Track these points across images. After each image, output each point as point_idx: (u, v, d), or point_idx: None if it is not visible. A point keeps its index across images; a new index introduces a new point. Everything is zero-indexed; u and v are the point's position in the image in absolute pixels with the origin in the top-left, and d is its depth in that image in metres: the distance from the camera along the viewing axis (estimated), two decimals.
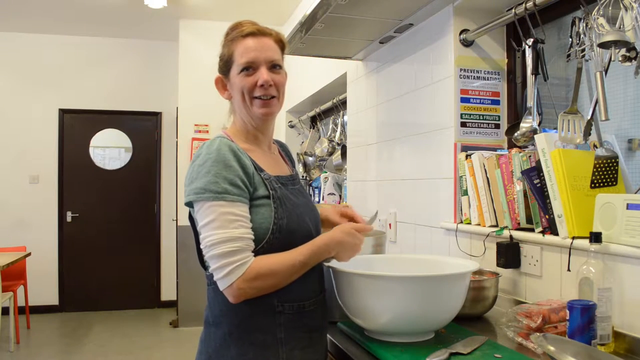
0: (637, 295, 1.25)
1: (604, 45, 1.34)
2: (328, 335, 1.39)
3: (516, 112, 2.02)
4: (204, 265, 1.28)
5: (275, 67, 1.28)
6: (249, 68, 1.26)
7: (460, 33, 2.03)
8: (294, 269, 1.18)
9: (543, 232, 1.54)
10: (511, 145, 1.91)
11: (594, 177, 1.41)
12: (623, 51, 1.34)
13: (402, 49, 2.45)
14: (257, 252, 1.17)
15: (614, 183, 1.42)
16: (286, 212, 1.21)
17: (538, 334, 1.18)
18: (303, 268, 1.19)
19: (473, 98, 2.03)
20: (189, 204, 1.20)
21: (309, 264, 1.20)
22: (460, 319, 1.40)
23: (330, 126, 3.94)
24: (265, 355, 1.20)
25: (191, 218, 1.27)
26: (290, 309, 1.22)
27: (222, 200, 1.14)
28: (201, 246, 1.17)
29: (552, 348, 1.08)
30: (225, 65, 1.30)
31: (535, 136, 1.55)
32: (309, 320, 1.26)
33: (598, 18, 1.37)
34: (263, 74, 1.25)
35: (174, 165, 5.73)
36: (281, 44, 1.32)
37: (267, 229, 1.18)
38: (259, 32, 1.28)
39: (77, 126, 5.87)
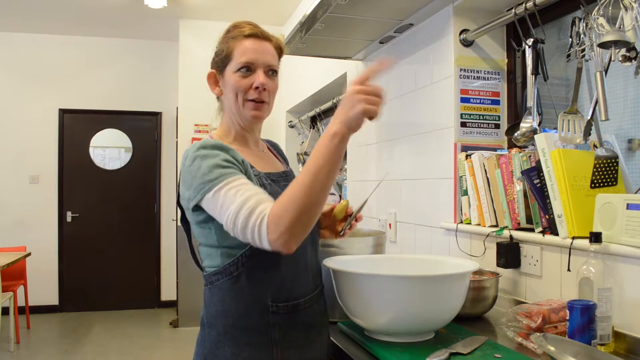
0: (637, 295, 1.25)
1: (604, 45, 1.34)
2: None
3: (516, 112, 2.02)
4: (199, 265, 1.28)
5: (271, 72, 1.29)
6: (247, 69, 1.26)
7: (460, 33, 2.03)
8: (308, 188, 1.03)
9: (543, 232, 1.54)
10: (511, 145, 1.91)
11: (594, 177, 1.41)
12: (623, 51, 1.34)
13: (402, 49, 2.45)
14: (248, 251, 1.17)
15: (614, 183, 1.42)
16: None
17: (538, 334, 1.18)
18: (319, 177, 1.04)
19: (473, 98, 2.03)
20: (196, 206, 1.17)
21: (325, 168, 1.04)
22: (460, 319, 1.40)
23: None
24: (260, 356, 1.20)
25: (183, 220, 1.27)
26: (284, 308, 1.22)
27: (220, 183, 1.11)
28: (226, 229, 1.11)
29: (552, 348, 1.08)
30: (222, 61, 1.30)
31: (535, 136, 1.55)
32: (305, 318, 1.25)
33: (598, 18, 1.37)
34: (260, 77, 1.25)
35: (174, 165, 5.73)
36: (279, 50, 1.33)
37: None
38: (262, 36, 1.29)
39: (77, 126, 5.87)
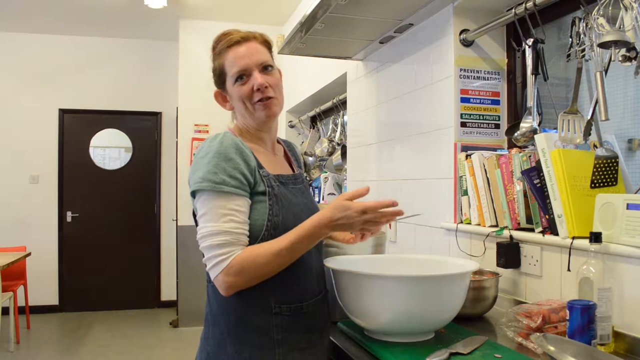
0: (637, 295, 1.25)
1: (604, 45, 1.34)
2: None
3: (516, 112, 2.02)
4: None
5: (266, 68, 1.29)
6: (242, 76, 1.27)
7: (460, 33, 2.03)
8: (280, 257, 1.15)
9: (543, 232, 1.54)
10: (511, 145, 1.91)
11: (594, 177, 1.41)
12: (623, 51, 1.34)
13: (402, 49, 2.45)
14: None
15: (614, 183, 1.42)
16: (282, 210, 1.22)
17: (538, 334, 1.18)
18: (292, 253, 1.17)
19: (473, 98, 2.03)
20: (193, 194, 1.22)
21: (299, 248, 1.17)
22: (460, 319, 1.40)
23: (330, 126, 3.94)
24: (262, 356, 1.20)
25: (194, 214, 1.28)
26: (287, 310, 1.22)
27: (219, 191, 1.16)
28: (197, 237, 1.19)
29: (552, 348, 1.08)
30: (220, 78, 1.32)
31: (535, 136, 1.55)
32: (307, 321, 1.25)
33: (598, 18, 1.37)
34: (257, 78, 1.26)
35: (174, 165, 5.73)
36: (267, 44, 1.34)
37: (261, 225, 1.19)
38: (243, 39, 1.29)
39: (77, 126, 5.87)
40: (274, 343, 1.20)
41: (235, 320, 1.21)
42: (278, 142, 1.45)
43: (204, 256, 1.19)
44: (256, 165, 1.23)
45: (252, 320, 1.20)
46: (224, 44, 1.29)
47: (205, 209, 1.16)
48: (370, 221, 1.17)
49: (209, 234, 1.15)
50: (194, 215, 1.24)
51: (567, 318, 1.20)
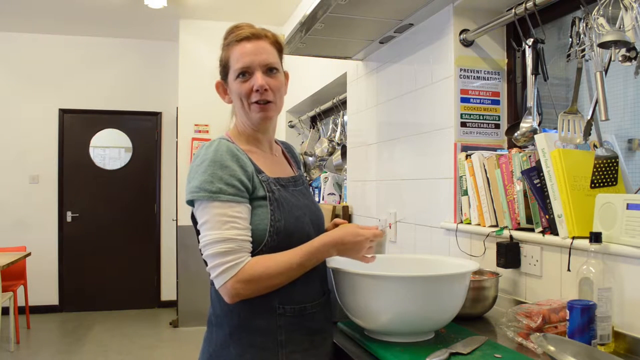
0: (637, 295, 1.25)
1: (604, 45, 1.34)
2: None
3: (516, 112, 2.02)
4: (207, 262, 1.29)
5: (271, 70, 1.27)
6: (245, 73, 1.26)
7: (460, 33, 2.03)
8: (290, 271, 1.17)
9: (543, 232, 1.54)
10: (511, 145, 1.91)
11: (594, 177, 1.41)
12: (623, 51, 1.34)
13: (402, 49, 2.45)
14: (256, 254, 1.17)
15: (614, 183, 1.42)
16: (284, 214, 1.21)
17: (538, 334, 1.18)
18: (301, 269, 1.18)
19: (473, 98, 2.03)
20: (189, 203, 1.21)
21: (307, 265, 1.19)
22: (460, 319, 1.40)
23: (330, 126, 3.94)
24: (264, 357, 1.20)
25: (193, 218, 1.28)
26: (291, 311, 1.22)
27: (217, 200, 1.15)
28: (199, 246, 1.18)
29: (552, 348, 1.08)
30: (224, 70, 1.31)
31: (535, 136, 1.55)
32: (310, 322, 1.25)
33: (598, 18, 1.37)
34: (258, 79, 1.25)
35: (174, 165, 5.73)
36: (278, 45, 1.32)
37: (264, 230, 1.18)
38: (254, 36, 1.27)
39: (77, 126, 5.87)
40: (277, 344, 1.20)
41: (239, 322, 1.21)
42: (276, 142, 1.45)
43: (206, 264, 1.18)
44: (254, 171, 1.22)
45: (255, 322, 1.20)
46: (233, 37, 1.28)
47: (206, 218, 1.15)
48: (371, 247, 1.25)
49: (212, 241, 1.14)
50: (193, 221, 1.24)
51: (567, 318, 1.20)
